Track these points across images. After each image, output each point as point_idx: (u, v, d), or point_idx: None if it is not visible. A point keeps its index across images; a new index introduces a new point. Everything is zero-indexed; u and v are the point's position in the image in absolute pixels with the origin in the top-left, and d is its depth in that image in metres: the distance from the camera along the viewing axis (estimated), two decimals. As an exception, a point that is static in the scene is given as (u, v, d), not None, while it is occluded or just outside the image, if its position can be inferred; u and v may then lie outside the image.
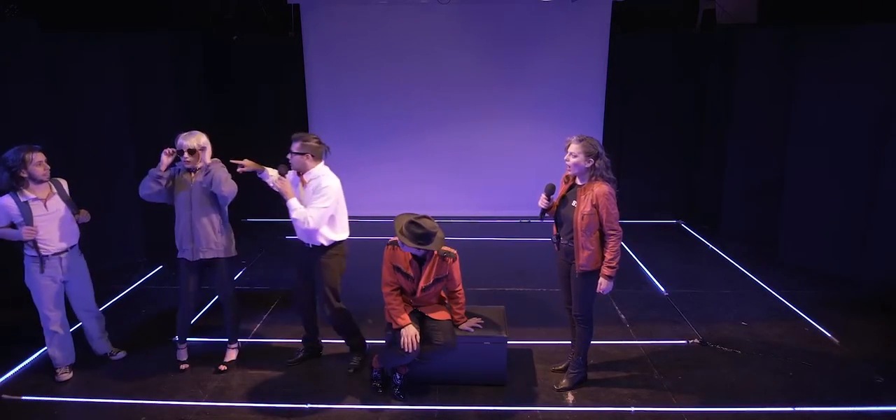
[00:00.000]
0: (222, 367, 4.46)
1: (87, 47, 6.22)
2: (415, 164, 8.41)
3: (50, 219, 4.10)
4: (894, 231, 5.68)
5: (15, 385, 4.31)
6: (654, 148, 8.20)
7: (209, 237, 4.23)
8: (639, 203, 8.37)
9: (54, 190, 4.18)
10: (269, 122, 8.21)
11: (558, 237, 4.06)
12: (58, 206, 4.16)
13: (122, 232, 6.44)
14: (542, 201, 3.98)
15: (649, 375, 4.40)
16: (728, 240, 7.35)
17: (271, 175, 4.20)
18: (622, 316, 5.40)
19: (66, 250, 4.20)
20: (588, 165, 3.82)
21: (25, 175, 3.99)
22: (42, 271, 4.11)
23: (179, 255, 4.30)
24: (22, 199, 4.02)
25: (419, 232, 3.80)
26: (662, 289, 6.00)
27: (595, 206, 3.76)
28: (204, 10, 7.99)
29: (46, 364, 4.46)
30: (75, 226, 4.27)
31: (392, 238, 3.99)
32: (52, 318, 4.23)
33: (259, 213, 7.96)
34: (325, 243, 4.19)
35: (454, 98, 8.20)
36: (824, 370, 4.45)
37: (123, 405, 4.06)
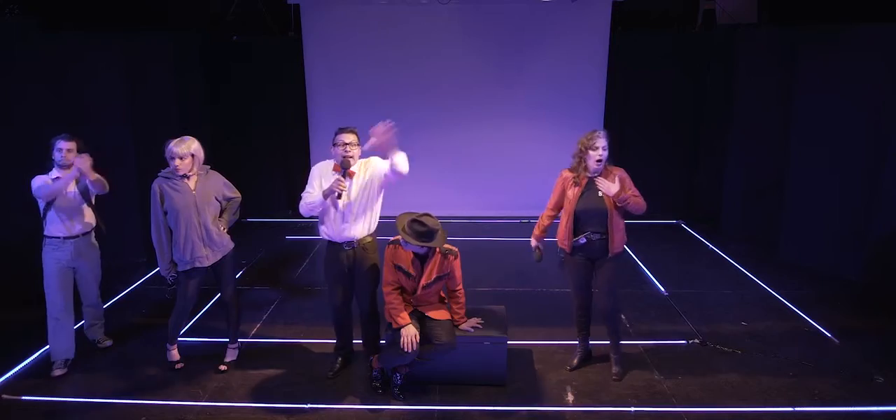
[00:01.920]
0: (223, 368, 4.46)
1: (86, 47, 6.22)
2: (415, 164, 8.19)
3: (67, 203, 4.28)
4: (894, 230, 5.68)
5: (14, 385, 4.31)
6: (654, 148, 8.20)
7: (217, 237, 4.24)
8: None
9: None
10: (269, 123, 8.22)
11: (584, 239, 4.04)
12: (74, 192, 4.34)
13: (122, 232, 6.42)
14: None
15: (649, 375, 4.40)
16: (728, 240, 7.36)
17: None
18: (622, 316, 5.38)
19: (78, 236, 4.35)
20: (607, 155, 4.04)
21: (53, 157, 4.25)
22: (54, 253, 4.28)
23: (196, 265, 4.18)
24: (51, 177, 4.25)
25: (422, 230, 3.81)
26: (663, 289, 6.00)
27: (621, 184, 3.98)
28: (204, 11, 7.99)
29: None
30: (88, 215, 4.42)
31: (393, 238, 3.99)
32: (57, 304, 4.33)
33: (259, 213, 7.97)
34: (371, 230, 4.12)
35: (454, 98, 8.20)
36: (824, 370, 4.45)
37: (123, 405, 4.05)
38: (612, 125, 8.22)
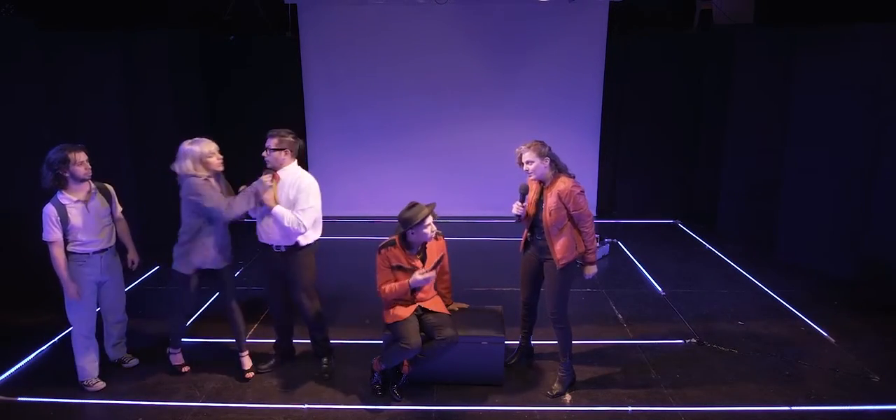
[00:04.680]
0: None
1: (83, 47, 6.20)
2: (412, 165, 8.41)
3: (91, 217, 4.03)
4: (890, 230, 5.70)
5: (11, 386, 4.29)
6: (651, 148, 8.22)
7: None
8: (636, 203, 8.40)
9: (94, 189, 4.11)
10: (266, 123, 8.06)
11: (530, 240, 4.13)
12: (98, 205, 4.10)
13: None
14: (517, 208, 4.03)
15: (646, 375, 4.41)
16: (725, 239, 7.37)
17: (268, 200, 4.02)
18: (619, 315, 5.40)
19: (106, 249, 4.15)
20: (545, 165, 3.90)
21: (67, 174, 3.92)
22: (84, 269, 4.05)
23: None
24: (62, 202, 3.94)
25: (409, 214, 3.87)
26: (660, 288, 6.01)
27: (562, 202, 3.85)
28: (201, 10, 7.98)
29: (44, 365, 4.45)
30: (113, 228, 4.23)
31: (382, 243, 4.01)
32: (87, 322, 4.14)
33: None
34: (303, 243, 4.11)
35: (452, 98, 8.21)
36: (821, 369, 4.46)
37: (120, 406, 4.05)
38: (610, 125, 8.26)
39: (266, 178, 4.02)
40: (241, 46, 8.07)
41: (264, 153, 4.09)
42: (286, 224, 3.98)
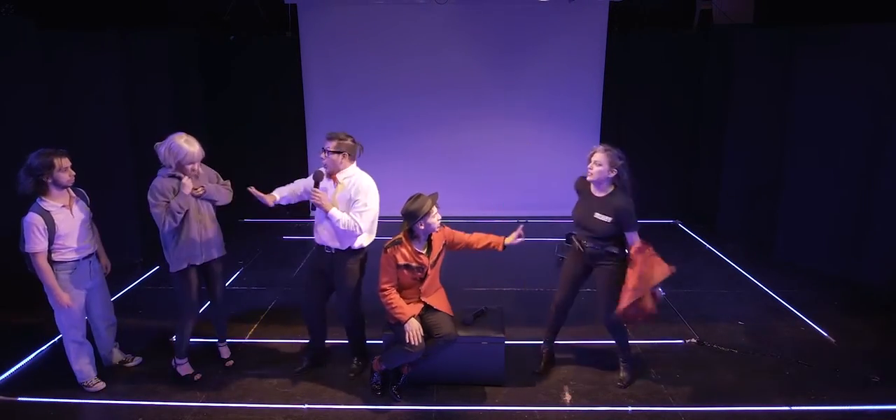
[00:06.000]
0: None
1: (83, 47, 6.19)
2: (413, 165, 8.40)
3: (77, 223, 3.97)
4: (891, 230, 5.70)
5: (11, 386, 4.29)
6: (651, 148, 8.20)
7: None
8: (636, 203, 8.39)
9: (74, 195, 4.05)
10: (266, 123, 8.20)
11: (581, 246, 4.11)
12: (82, 209, 4.05)
13: (119, 233, 6.37)
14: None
15: (647, 375, 4.41)
16: (725, 239, 7.37)
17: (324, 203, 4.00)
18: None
19: (92, 254, 4.11)
20: (611, 175, 3.96)
21: (49, 180, 3.83)
22: (73, 277, 3.98)
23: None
24: (46, 208, 3.85)
25: (413, 207, 3.90)
26: (660, 288, 5.97)
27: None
28: (201, 10, 7.98)
29: (44, 365, 4.45)
30: (95, 231, 4.20)
31: (387, 242, 4.00)
32: (79, 328, 4.10)
33: (255, 213, 7.94)
34: (355, 247, 4.10)
35: (452, 98, 8.20)
36: (821, 369, 4.46)
37: (120, 406, 4.05)
38: (610, 125, 8.24)
39: (186, 182, 3.91)
40: (241, 46, 8.06)
41: (322, 155, 4.04)
42: (342, 227, 3.96)
